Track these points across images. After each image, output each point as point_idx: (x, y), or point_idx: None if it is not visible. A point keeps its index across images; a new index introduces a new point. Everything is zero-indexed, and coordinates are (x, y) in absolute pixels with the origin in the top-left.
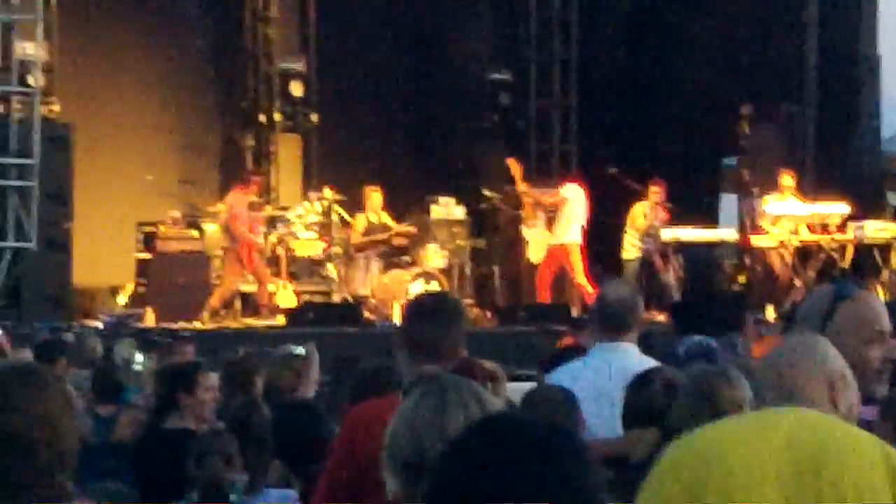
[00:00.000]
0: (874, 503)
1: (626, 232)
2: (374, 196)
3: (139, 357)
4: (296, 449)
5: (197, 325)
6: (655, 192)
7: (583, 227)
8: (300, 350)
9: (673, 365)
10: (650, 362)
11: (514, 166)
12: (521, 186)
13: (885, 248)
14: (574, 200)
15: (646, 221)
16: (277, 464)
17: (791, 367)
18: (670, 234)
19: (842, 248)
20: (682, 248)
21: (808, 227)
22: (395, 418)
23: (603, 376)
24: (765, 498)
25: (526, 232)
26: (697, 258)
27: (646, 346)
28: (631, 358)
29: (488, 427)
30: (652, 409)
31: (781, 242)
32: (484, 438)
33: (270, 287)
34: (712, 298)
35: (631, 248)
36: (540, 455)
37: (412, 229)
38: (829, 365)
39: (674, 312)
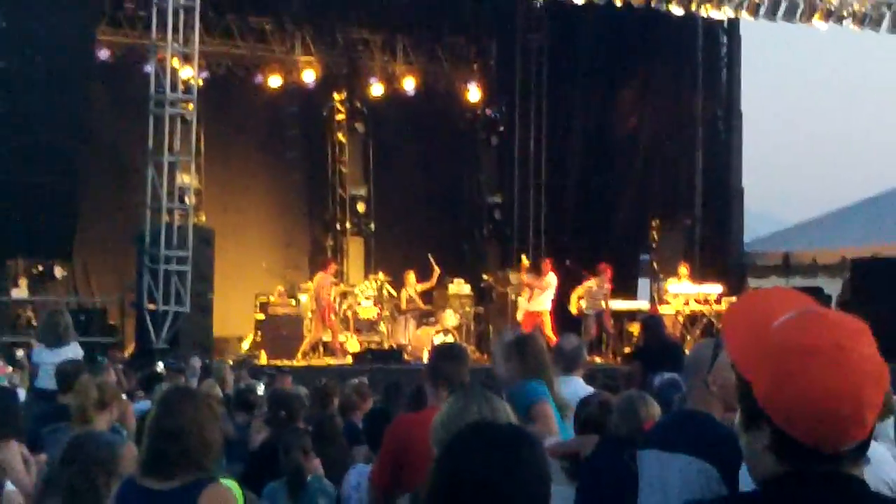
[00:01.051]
0: None
1: (581, 297)
2: (410, 277)
3: (261, 386)
4: (379, 439)
5: (294, 362)
6: (603, 271)
7: (553, 299)
8: (363, 380)
9: (649, 394)
10: (591, 390)
11: (524, 262)
12: (525, 277)
13: None
14: (551, 284)
15: (595, 288)
16: (366, 448)
17: None
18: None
19: (718, 315)
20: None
21: (696, 300)
22: (443, 409)
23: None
24: None
25: (520, 301)
26: (654, 320)
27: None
28: (578, 387)
29: (472, 432)
30: (594, 420)
31: (677, 311)
32: (468, 440)
33: (341, 338)
34: (667, 346)
35: (582, 308)
36: (507, 452)
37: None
38: None
39: (640, 357)
